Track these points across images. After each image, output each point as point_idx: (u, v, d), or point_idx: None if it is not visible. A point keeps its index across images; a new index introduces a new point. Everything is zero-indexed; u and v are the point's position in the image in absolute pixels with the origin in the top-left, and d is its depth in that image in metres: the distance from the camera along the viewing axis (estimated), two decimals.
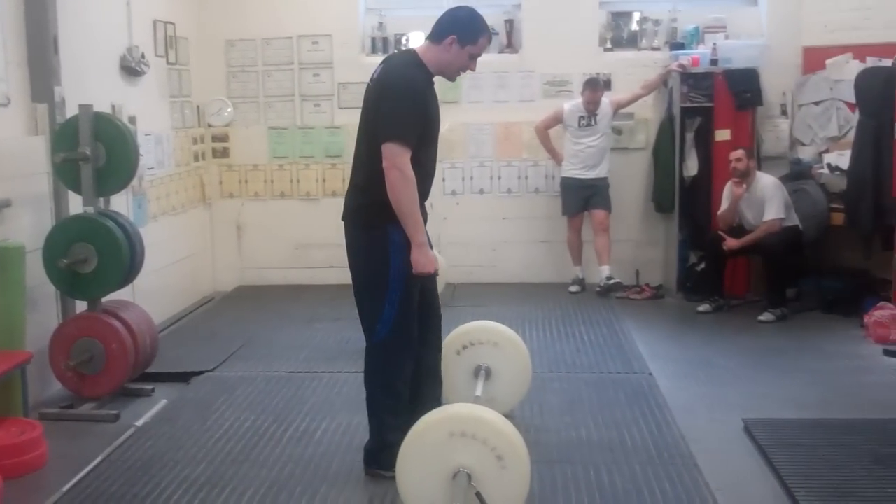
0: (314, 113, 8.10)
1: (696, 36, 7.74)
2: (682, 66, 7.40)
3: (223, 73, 8.10)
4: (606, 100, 7.52)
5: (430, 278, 3.94)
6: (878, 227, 6.61)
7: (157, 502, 3.80)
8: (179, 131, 7.44)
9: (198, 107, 7.91)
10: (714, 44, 7.55)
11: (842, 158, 7.01)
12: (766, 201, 6.77)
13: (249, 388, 5.29)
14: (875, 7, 7.22)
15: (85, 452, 4.31)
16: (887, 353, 5.81)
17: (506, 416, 3.64)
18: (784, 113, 7.67)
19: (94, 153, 4.96)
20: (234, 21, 8.04)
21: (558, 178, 7.80)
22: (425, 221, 3.83)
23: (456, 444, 3.24)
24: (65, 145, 4.98)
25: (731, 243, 6.84)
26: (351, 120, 7.91)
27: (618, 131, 7.81)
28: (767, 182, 6.85)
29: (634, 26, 8.02)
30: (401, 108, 3.68)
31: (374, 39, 8.06)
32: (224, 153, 8.19)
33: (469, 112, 7.90)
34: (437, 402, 3.97)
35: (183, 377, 5.53)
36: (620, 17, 8.05)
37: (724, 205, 7.03)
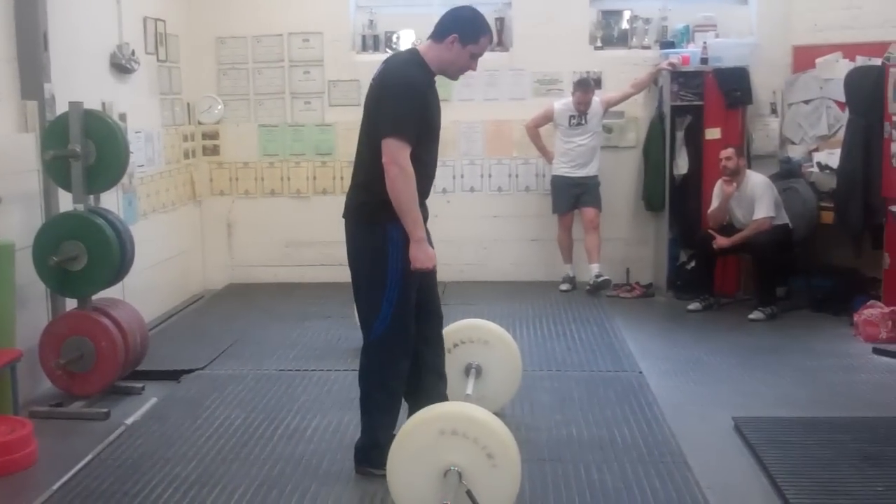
0: (305, 110, 8.07)
1: (687, 34, 7.75)
2: (672, 64, 7.41)
3: (213, 70, 8.07)
4: (597, 99, 7.52)
5: (430, 276, 3.92)
6: (867, 226, 6.63)
7: (147, 500, 3.79)
8: (170, 128, 7.41)
9: (188, 104, 7.88)
10: (704, 42, 7.55)
11: (831, 157, 7.02)
12: (755, 200, 6.79)
13: (240, 386, 5.28)
14: (865, 6, 7.25)
15: (75, 450, 4.30)
16: (877, 351, 5.84)
17: (496, 414, 3.65)
18: (774, 112, 7.70)
19: (84, 150, 4.95)
20: (225, 18, 8.01)
21: (549, 177, 7.80)
22: (426, 220, 3.83)
23: (446, 442, 3.24)
24: (54, 142, 4.96)
25: (721, 242, 6.85)
26: (341, 118, 8.02)
27: (608, 129, 7.82)
28: (757, 181, 6.87)
29: (625, 25, 8.03)
30: (400, 105, 3.67)
31: (364, 37, 8.05)
32: (214, 151, 8.16)
33: (459, 110, 7.86)
34: (443, 399, 3.94)
35: (173, 375, 5.52)
36: (611, 16, 8.05)
37: (715, 203, 7.04)
